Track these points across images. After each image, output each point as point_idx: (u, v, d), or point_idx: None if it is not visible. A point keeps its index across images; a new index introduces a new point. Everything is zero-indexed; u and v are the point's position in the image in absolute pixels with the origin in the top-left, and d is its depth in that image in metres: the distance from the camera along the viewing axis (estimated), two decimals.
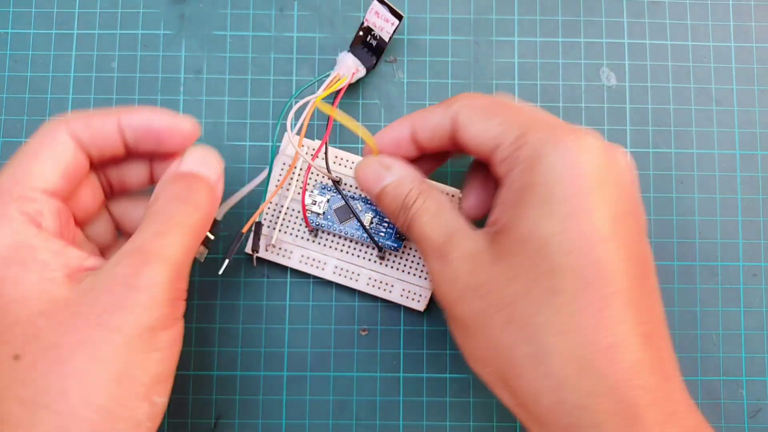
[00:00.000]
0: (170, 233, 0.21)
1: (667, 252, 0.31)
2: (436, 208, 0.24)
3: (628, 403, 0.19)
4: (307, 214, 0.29)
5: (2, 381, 0.19)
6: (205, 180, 0.24)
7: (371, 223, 0.29)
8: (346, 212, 0.29)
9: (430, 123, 0.25)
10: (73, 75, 0.31)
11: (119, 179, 0.26)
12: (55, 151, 0.22)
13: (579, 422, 0.19)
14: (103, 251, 0.26)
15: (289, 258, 0.30)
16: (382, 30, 0.29)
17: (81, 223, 0.25)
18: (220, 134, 0.31)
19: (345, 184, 0.30)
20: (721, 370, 0.31)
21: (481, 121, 0.23)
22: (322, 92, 0.28)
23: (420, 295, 0.29)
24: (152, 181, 0.26)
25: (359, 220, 0.28)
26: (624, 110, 0.32)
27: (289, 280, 0.30)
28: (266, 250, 0.29)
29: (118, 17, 0.32)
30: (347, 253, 0.30)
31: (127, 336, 0.19)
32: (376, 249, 0.29)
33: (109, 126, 0.23)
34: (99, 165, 0.24)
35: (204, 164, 0.24)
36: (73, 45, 0.32)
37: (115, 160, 0.25)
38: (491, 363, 0.21)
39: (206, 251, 0.26)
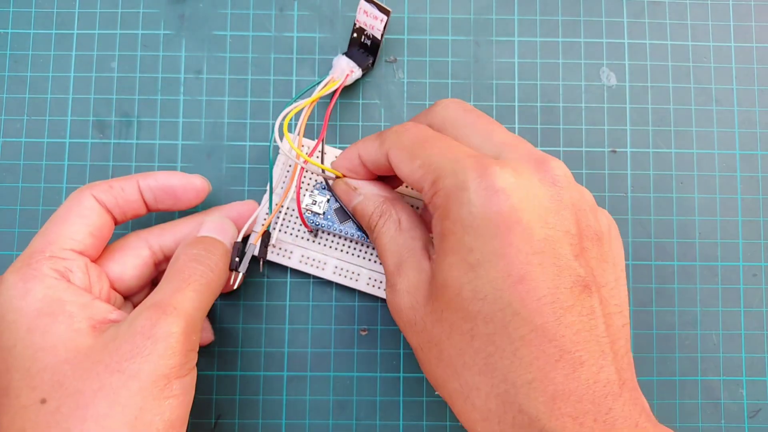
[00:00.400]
0: (187, 290, 0.24)
1: (667, 252, 0.31)
2: (394, 230, 0.25)
3: (550, 431, 0.19)
4: (307, 215, 0.29)
5: (29, 422, 0.21)
6: (221, 245, 0.26)
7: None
8: (346, 212, 0.29)
9: (370, 156, 0.25)
10: (73, 75, 0.31)
11: (170, 249, 0.28)
12: (82, 214, 0.25)
13: None
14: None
15: (290, 258, 0.30)
16: (372, 28, 0.29)
17: (132, 293, 0.27)
18: (220, 134, 0.31)
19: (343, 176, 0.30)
20: (721, 370, 0.31)
21: (406, 162, 0.23)
22: (315, 95, 0.28)
23: None
24: None
25: (355, 222, 0.28)
26: (624, 110, 0.32)
27: (289, 280, 0.30)
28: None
29: (118, 17, 0.32)
30: (347, 253, 0.30)
31: (144, 383, 0.21)
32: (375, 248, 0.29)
33: (129, 188, 0.26)
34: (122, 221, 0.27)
35: (220, 231, 0.27)
36: (73, 45, 0.32)
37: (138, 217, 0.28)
38: (436, 388, 0.23)
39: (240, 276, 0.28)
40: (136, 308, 0.23)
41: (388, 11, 0.28)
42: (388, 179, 0.27)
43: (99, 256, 0.26)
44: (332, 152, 0.30)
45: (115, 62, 0.31)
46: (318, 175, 0.29)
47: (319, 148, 0.29)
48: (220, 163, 0.31)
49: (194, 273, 0.24)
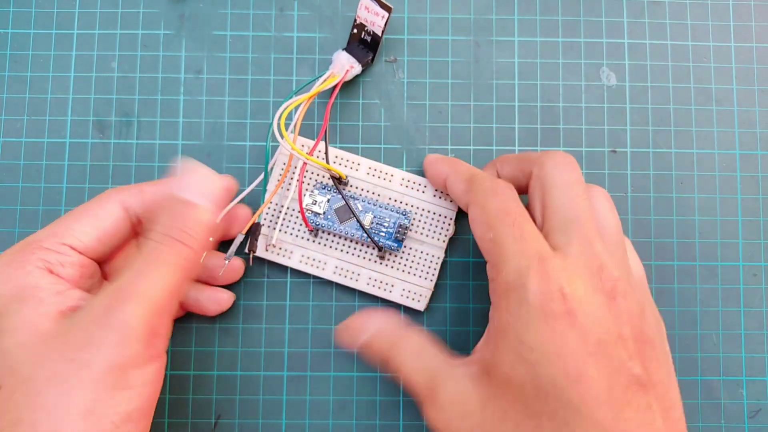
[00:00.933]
0: (152, 272, 0.22)
1: (667, 252, 0.31)
2: (415, 353, 0.25)
3: None
4: (308, 214, 0.29)
5: None
6: (200, 211, 0.24)
7: (371, 223, 0.29)
8: (347, 212, 0.29)
9: (453, 188, 0.27)
10: (73, 75, 0.31)
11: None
12: (98, 216, 0.25)
13: None
14: None
15: (290, 258, 0.30)
16: (373, 25, 0.29)
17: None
18: (220, 134, 0.31)
19: (348, 185, 0.30)
20: (721, 370, 0.31)
21: (481, 227, 0.24)
22: (314, 90, 0.28)
23: (420, 295, 0.29)
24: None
25: (359, 221, 0.28)
26: (624, 110, 0.32)
27: (289, 280, 0.30)
28: (266, 250, 0.29)
29: (118, 17, 0.32)
30: (347, 252, 0.30)
31: (96, 373, 0.20)
32: (376, 249, 0.29)
33: (160, 194, 0.26)
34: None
35: (200, 191, 0.24)
36: (73, 45, 0.32)
37: None
38: None
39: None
40: (99, 292, 0.22)
41: (390, 8, 0.28)
42: None
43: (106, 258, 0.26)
44: (332, 152, 0.30)
45: (115, 62, 0.31)
46: (322, 174, 0.29)
47: (321, 146, 0.29)
48: (220, 163, 0.31)
49: (164, 250, 0.22)
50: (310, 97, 0.27)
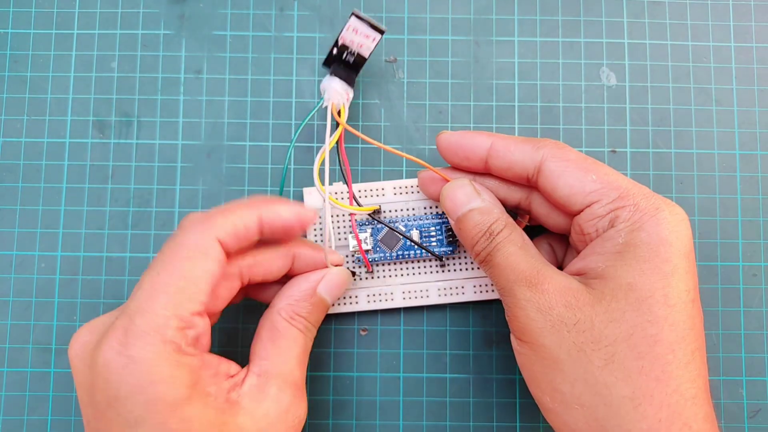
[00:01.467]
0: (306, 361, 0.26)
1: None
2: (522, 241, 0.25)
3: None
4: (360, 256, 0.29)
5: None
6: (328, 308, 0.27)
7: (420, 237, 0.29)
8: (393, 238, 0.29)
9: (512, 156, 0.25)
10: (73, 75, 0.31)
11: (255, 273, 0.26)
12: (208, 269, 0.22)
13: None
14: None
15: (357, 302, 0.29)
16: (361, 47, 0.27)
17: (217, 315, 0.26)
18: (220, 134, 0.31)
19: (379, 206, 0.29)
20: (721, 370, 0.31)
21: (575, 174, 0.24)
22: (332, 138, 0.26)
23: (493, 285, 0.29)
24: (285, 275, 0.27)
25: (410, 239, 0.28)
26: (624, 110, 0.32)
27: None
28: (332, 305, 0.28)
29: (118, 17, 0.32)
30: (409, 275, 0.30)
31: None
32: (435, 259, 0.29)
33: (251, 227, 0.24)
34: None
35: (335, 296, 0.27)
36: (73, 45, 0.32)
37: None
38: (578, 398, 0.22)
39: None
40: (271, 381, 0.24)
41: (383, 30, 0.27)
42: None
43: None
44: (355, 188, 0.29)
45: (115, 62, 0.31)
46: (363, 214, 0.29)
47: (341, 187, 0.29)
48: (220, 163, 0.31)
49: (309, 343, 0.26)
50: (327, 150, 0.26)
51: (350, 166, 0.30)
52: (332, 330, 0.30)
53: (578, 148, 0.31)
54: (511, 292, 0.24)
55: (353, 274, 0.29)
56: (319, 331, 0.30)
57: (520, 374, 0.30)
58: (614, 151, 0.31)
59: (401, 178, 0.31)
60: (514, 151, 0.25)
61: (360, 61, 0.28)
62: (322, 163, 0.27)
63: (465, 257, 0.30)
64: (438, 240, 0.29)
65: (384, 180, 0.30)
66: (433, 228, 0.29)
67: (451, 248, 0.29)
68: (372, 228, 0.29)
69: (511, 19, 0.32)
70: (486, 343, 0.30)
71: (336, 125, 0.28)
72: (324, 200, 0.27)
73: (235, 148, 0.31)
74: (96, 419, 0.21)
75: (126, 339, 0.20)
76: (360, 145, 0.31)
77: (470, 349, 0.30)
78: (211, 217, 0.23)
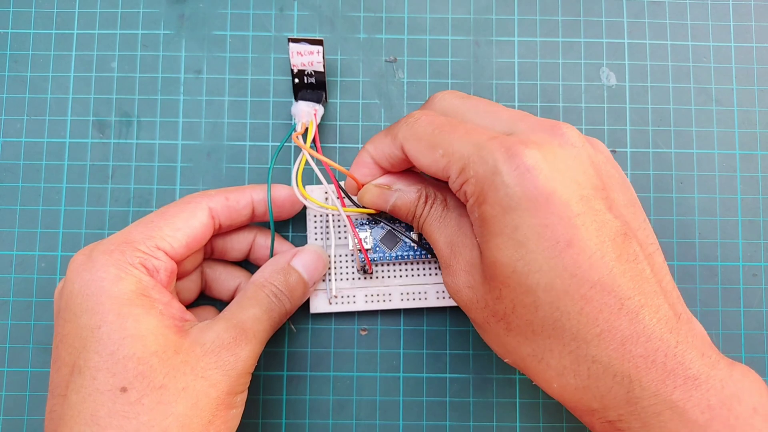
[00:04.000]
0: (266, 322, 0.25)
1: (667, 252, 0.31)
2: (441, 210, 0.25)
3: (623, 374, 0.21)
4: (357, 255, 0.29)
5: (104, 408, 0.21)
6: (305, 287, 0.27)
7: (421, 238, 0.29)
8: (392, 238, 0.29)
9: (384, 153, 0.25)
10: (73, 75, 0.31)
11: (222, 248, 0.29)
12: (189, 224, 0.25)
13: (585, 398, 0.21)
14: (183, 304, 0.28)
15: (355, 302, 0.29)
16: (312, 64, 0.28)
17: (178, 277, 0.28)
18: (220, 134, 0.31)
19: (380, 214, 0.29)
20: None
21: (425, 152, 0.23)
22: (305, 149, 0.26)
23: None
24: (247, 257, 0.30)
25: (411, 239, 0.28)
26: (624, 110, 0.32)
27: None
28: (330, 303, 0.29)
29: (118, 17, 0.32)
30: (408, 276, 0.30)
31: (220, 392, 0.23)
32: (435, 262, 0.29)
33: (243, 203, 0.27)
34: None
35: (312, 271, 0.28)
36: (73, 45, 0.32)
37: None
38: (506, 356, 0.24)
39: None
40: (220, 321, 0.24)
41: (320, 40, 0.28)
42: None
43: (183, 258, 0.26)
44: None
45: (115, 62, 0.31)
46: (364, 215, 0.29)
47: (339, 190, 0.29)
48: (220, 163, 0.31)
49: (274, 309, 0.26)
50: (305, 158, 0.27)
51: (330, 143, 0.30)
52: (332, 330, 0.30)
53: None
54: (441, 272, 0.25)
55: (364, 271, 0.29)
56: (319, 331, 0.30)
57: (521, 374, 0.30)
58: (614, 151, 0.31)
59: None
60: (384, 150, 0.25)
61: (320, 77, 0.29)
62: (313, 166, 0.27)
63: None
64: None
65: None
66: None
67: None
68: (371, 229, 0.29)
69: (511, 19, 0.32)
70: (486, 343, 0.30)
71: (302, 146, 0.27)
72: (326, 190, 0.27)
73: (235, 148, 0.31)
74: (60, 324, 0.23)
75: (95, 246, 0.24)
76: (359, 145, 0.31)
77: (470, 349, 0.30)
78: (208, 191, 0.27)
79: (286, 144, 0.31)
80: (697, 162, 0.32)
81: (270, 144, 0.31)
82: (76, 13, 0.32)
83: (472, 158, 0.22)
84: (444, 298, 0.29)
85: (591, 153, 0.23)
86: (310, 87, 0.29)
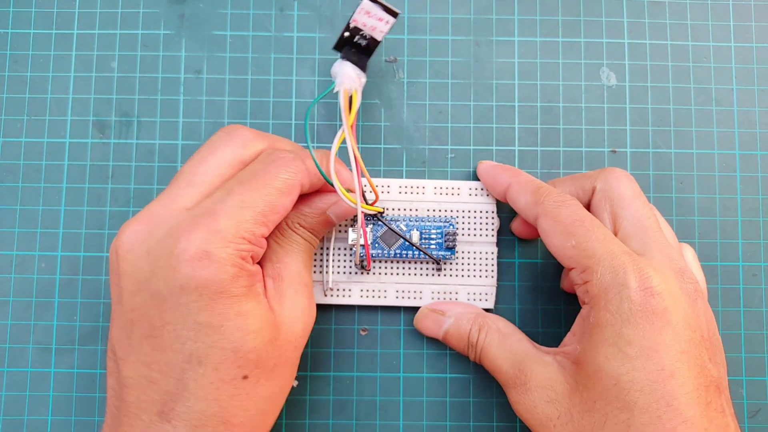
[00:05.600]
0: (306, 271, 0.27)
1: None
2: (498, 339, 0.26)
3: None
4: (356, 250, 0.29)
5: (227, 394, 0.23)
6: (333, 225, 0.28)
7: (420, 239, 0.29)
8: (392, 237, 0.29)
9: (519, 204, 0.27)
10: (73, 75, 0.31)
11: None
12: (286, 206, 0.25)
13: None
14: None
15: (350, 296, 0.30)
16: (374, 30, 0.26)
17: None
18: None
19: (384, 209, 0.30)
20: None
21: (559, 237, 0.25)
22: (347, 121, 0.25)
23: (486, 294, 0.30)
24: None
25: (409, 241, 0.28)
26: (624, 110, 0.32)
27: None
28: (325, 296, 0.29)
29: (118, 17, 0.32)
30: (404, 274, 0.30)
31: (301, 349, 0.26)
32: (433, 262, 0.29)
33: (320, 178, 0.26)
34: None
35: (339, 218, 0.27)
36: (73, 45, 0.32)
37: None
38: None
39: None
40: (283, 284, 0.25)
41: (397, 13, 0.25)
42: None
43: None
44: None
45: (115, 62, 0.31)
46: (369, 211, 0.28)
47: (347, 175, 0.28)
48: None
49: (310, 249, 0.27)
50: (343, 136, 0.25)
51: (331, 144, 0.27)
52: (332, 330, 0.30)
53: (578, 148, 0.31)
54: (506, 393, 0.26)
55: (362, 267, 0.29)
56: (319, 331, 0.30)
57: None
58: (614, 151, 0.31)
59: (401, 177, 0.31)
60: (521, 200, 0.27)
61: (372, 44, 0.27)
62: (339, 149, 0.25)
63: (462, 262, 0.30)
64: (437, 244, 0.29)
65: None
66: (434, 231, 0.29)
67: (450, 252, 0.29)
68: (373, 225, 0.29)
69: (511, 19, 0.32)
70: None
71: (346, 118, 0.26)
72: (353, 160, 0.25)
73: None
74: (145, 307, 0.23)
75: (209, 237, 0.22)
76: (360, 145, 0.31)
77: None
78: (303, 160, 0.25)
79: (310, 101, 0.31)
80: (697, 162, 0.32)
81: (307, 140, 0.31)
82: (76, 13, 0.32)
83: (603, 263, 0.23)
84: (439, 298, 0.30)
85: (705, 309, 0.24)
86: (356, 48, 0.27)
